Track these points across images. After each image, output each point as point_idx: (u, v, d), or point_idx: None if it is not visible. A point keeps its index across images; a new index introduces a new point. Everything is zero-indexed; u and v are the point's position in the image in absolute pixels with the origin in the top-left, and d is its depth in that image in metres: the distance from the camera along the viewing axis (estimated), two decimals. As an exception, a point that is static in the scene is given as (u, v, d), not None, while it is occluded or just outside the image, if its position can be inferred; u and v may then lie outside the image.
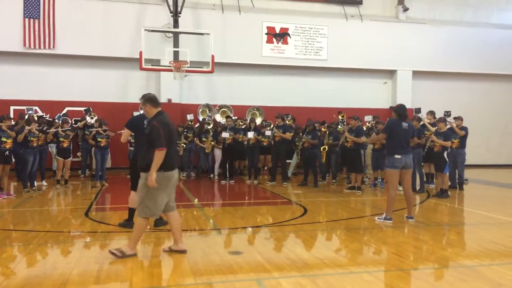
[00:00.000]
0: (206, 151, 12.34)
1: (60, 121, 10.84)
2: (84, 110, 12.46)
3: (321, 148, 10.96)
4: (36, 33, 13.25)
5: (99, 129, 10.96)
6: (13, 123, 9.36)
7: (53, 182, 10.83)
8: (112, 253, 4.75)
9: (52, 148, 11.52)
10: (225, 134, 11.45)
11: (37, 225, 6.42)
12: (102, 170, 10.83)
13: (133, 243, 4.82)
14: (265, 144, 11.77)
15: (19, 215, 7.19)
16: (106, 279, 4.13)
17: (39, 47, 13.29)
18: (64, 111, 13.04)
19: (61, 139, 10.29)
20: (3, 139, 8.77)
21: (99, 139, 10.88)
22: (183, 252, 4.92)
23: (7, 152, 8.86)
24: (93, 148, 11.39)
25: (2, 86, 13.35)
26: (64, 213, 7.52)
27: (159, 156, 4.57)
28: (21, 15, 13.19)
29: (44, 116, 12.00)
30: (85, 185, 11.04)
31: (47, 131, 10.52)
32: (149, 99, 4.95)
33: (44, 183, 10.72)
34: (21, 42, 13.18)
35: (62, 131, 10.29)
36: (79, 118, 12.56)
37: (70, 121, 10.95)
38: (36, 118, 10.56)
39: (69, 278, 4.12)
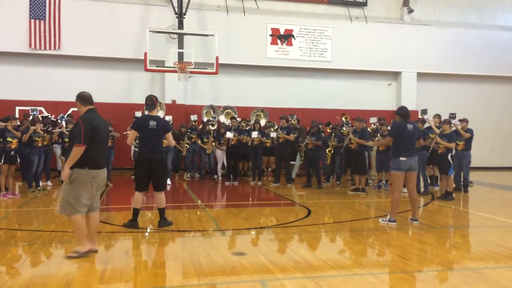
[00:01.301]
0: (207, 152, 12.36)
1: (64, 122, 10.85)
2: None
3: (327, 150, 10.94)
4: (42, 34, 13.33)
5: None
6: (18, 123, 9.41)
7: (58, 182, 10.87)
8: (70, 257, 4.68)
9: (57, 149, 11.57)
10: (229, 135, 11.44)
11: (42, 225, 6.45)
12: (107, 170, 10.83)
13: (81, 241, 4.74)
14: (268, 145, 11.77)
15: (24, 215, 7.23)
16: (110, 279, 4.14)
17: (45, 48, 13.37)
18: (69, 112, 13.09)
19: (66, 140, 10.35)
20: (9, 139, 8.83)
21: (104, 140, 10.90)
22: (95, 252, 4.86)
23: (12, 152, 8.91)
24: None
25: (8, 87, 13.44)
26: (69, 213, 7.53)
27: (75, 151, 4.58)
28: (27, 16, 13.28)
29: (49, 116, 12.04)
30: (89, 185, 11.05)
31: (52, 131, 10.56)
32: (80, 97, 5.00)
33: (49, 183, 10.75)
34: (26, 43, 13.27)
35: (67, 131, 10.34)
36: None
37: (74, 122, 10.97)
38: (41, 119, 10.62)
39: (73, 278, 4.13)
